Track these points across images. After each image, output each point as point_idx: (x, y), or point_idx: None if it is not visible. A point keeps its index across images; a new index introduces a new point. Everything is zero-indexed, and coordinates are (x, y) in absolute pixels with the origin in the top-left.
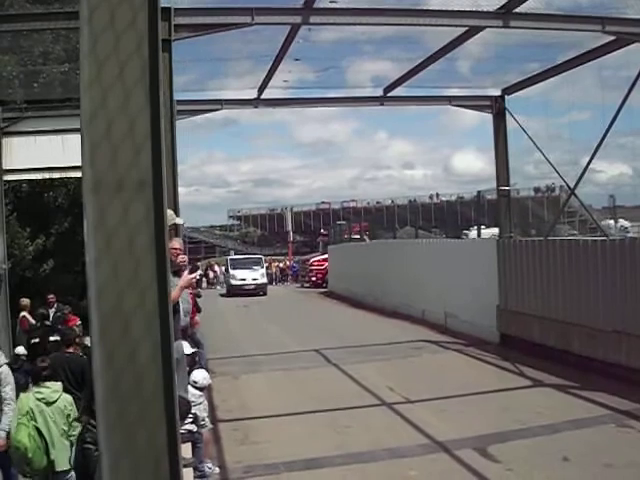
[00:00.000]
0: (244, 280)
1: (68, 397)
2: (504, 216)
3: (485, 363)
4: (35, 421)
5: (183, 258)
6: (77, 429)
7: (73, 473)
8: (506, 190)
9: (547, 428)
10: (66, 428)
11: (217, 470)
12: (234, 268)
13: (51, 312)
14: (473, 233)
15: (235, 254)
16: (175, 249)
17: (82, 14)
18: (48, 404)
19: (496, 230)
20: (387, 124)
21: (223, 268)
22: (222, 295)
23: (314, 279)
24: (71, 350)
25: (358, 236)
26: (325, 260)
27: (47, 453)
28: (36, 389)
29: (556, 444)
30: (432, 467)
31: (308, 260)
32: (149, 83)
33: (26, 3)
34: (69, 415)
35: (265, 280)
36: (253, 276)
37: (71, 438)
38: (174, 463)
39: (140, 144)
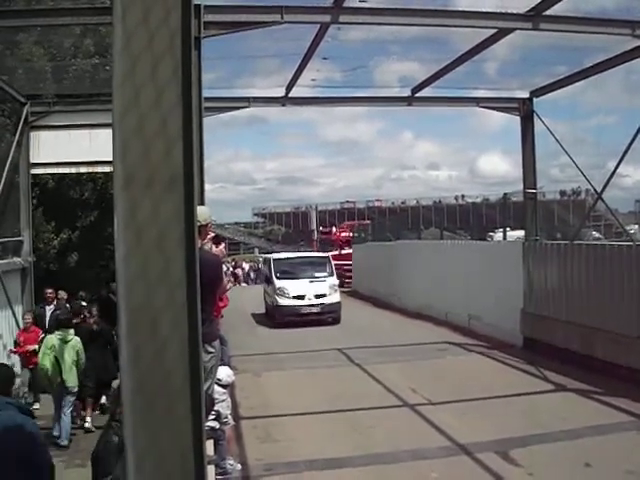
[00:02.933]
0: (301, 298)
1: (77, 338)
2: (530, 219)
3: (508, 366)
4: (55, 352)
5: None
6: (82, 360)
7: (77, 389)
8: (533, 193)
9: (569, 433)
10: (75, 359)
11: (239, 467)
12: (282, 276)
13: (48, 310)
14: (498, 235)
15: (261, 252)
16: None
17: (115, 12)
18: (65, 342)
19: (521, 233)
20: (412, 125)
21: (248, 266)
22: (257, 318)
23: None
24: (77, 320)
25: (350, 234)
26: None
27: (60, 374)
28: (57, 332)
29: (578, 449)
30: (453, 469)
31: None
32: (181, 81)
33: None
34: (77, 351)
35: (338, 297)
36: (317, 290)
37: (78, 365)
38: (199, 460)
39: (172, 141)
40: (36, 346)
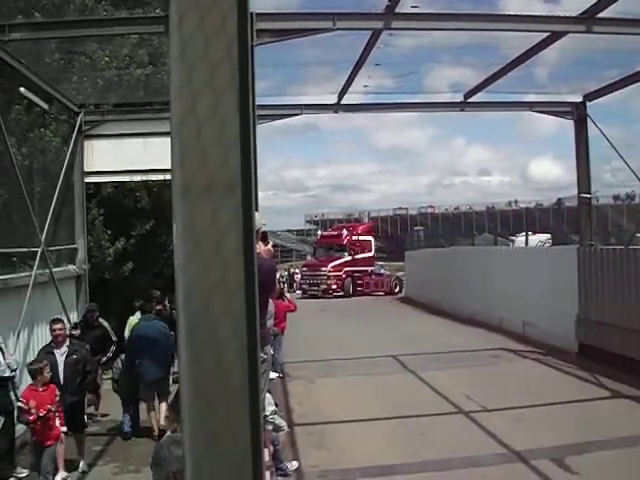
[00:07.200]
0: None
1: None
2: (585, 224)
3: (563, 373)
4: None
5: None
6: None
7: None
8: (587, 198)
9: (626, 440)
10: None
11: (295, 465)
12: None
13: (59, 355)
14: (520, 239)
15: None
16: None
17: (172, 18)
18: None
19: (543, 237)
20: (463, 131)
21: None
22: None
23: (334, 287)
24: (159, 308)
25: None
26: (343, 265)
27: None
28: (139, 313)
29: (635, 457)
30: (508, 477)
31: (320, 265)
32: (239, 88)
33: (111, 7)
34: None
35: None
36: None
37: None
38: (257, 465)
39: (230, 148)
40: (52, 407)
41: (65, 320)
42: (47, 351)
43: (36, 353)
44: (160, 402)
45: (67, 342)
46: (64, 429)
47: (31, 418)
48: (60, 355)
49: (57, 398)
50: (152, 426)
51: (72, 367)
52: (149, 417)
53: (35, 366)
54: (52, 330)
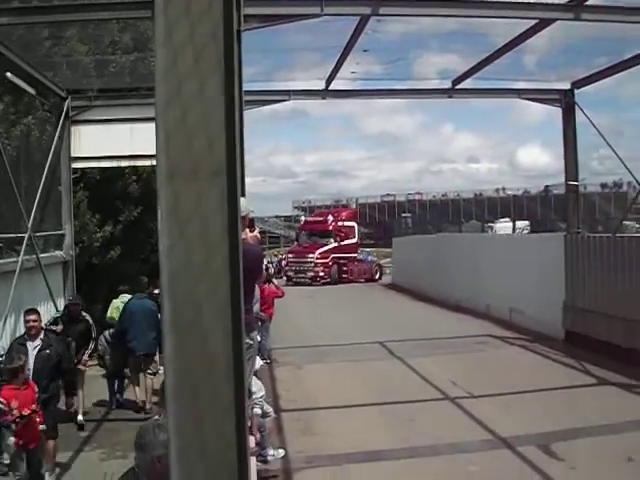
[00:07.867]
0: None
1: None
2: (572, 212)
3: (549, 360)
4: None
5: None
6: None
7: None
8: (575, 185)
9: (611, 427)
10: None
11: (282, 452)
12: None
13: (32, 348)
14: (499, 225)
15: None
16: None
17: (157, 3)
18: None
19: (522, 223)
20: (452, 118)
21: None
22: None
23: (322, 274)
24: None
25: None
26: (330, 251)
27: None
28: (123, 295)
29: (620, 444)
30: (493, 463)
31: (306, 252)
32: (224, 72)
33: None
34: None
35: None
36: None
37: None
38: (242, 450)
39: (215, 132)
40: (34, 406)
41: (52, 305)
42: (19, 342)
43: None
44: (145, 377)
45: (41, 335)
46: (43, 427)
47: (10, 418)
48: (32, 348)
49: (35, 398)
50: (136, 399)
51: (43, 362)
52: (134, 390)
53: (15, 364)
54: (26, 321)
